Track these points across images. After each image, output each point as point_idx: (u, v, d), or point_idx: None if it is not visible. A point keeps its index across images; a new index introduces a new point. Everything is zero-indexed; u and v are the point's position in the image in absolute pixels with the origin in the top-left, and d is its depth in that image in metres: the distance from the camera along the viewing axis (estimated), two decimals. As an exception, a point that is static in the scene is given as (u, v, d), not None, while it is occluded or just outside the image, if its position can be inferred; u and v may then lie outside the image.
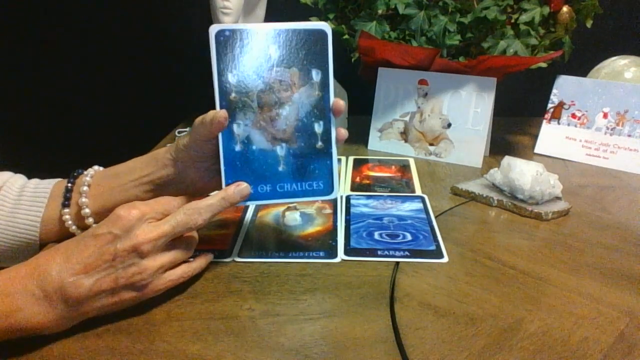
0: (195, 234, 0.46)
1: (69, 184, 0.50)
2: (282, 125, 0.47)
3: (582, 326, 0.41)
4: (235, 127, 0.46)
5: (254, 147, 0.47)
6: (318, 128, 0.47)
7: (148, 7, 1.17)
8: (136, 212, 0.40)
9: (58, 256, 0.38)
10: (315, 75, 0.46)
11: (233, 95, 0.46)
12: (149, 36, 1.19)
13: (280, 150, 0.47)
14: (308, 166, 0.47)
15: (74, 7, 1.15)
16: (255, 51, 0.46)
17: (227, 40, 0.46)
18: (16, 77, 1.19)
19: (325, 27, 0.46)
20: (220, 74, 0.46)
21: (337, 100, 0.47)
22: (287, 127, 0.47)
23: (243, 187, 0.46)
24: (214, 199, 0.44)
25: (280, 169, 0.47)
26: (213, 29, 0.45)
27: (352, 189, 0.70)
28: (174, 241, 0.43)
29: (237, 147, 0.46)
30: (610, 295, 0.46)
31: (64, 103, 1.23)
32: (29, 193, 0.50)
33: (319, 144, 0.47)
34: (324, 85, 0.47)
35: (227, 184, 0.46)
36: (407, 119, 0.87)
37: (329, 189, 0.48)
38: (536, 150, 0.90)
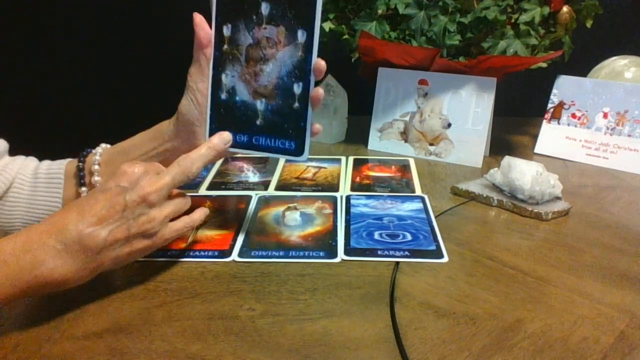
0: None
1: (80, 163, 0.54)
2: (264, 81, 0.48)
3: (582, 326, 0.41)
4: (223, 77, 0.49)
5: (237, 98, 0.49)
6: (297, 89, 0.47)
7: (148, 6, 1.17)
8: (140, 167, 0.45)
9: (72, 212, 0.41)
10: (301, 35, 0.46)
11: (225, 47, 0.49)
12: (149, 35, 1.19)
13: (260, 105, 0.49)
14: (283, 125, 0.48)
15: (75, 6, 1.15)
16: (249, 7, 0.47)
17: None
18: (17, 77, 1.19)
19: None
20: (217, 27, 0.49)
21: (319, 61, 0.47)
22: (268, 84, 0.48)
23: (225, 135, 0.49)
24: (202, 149, 0.47)
25: (258, 122, 0.49)
26: None
27: (352, 189, 0.70)
28: (172, 196, 0.46)
29: (223, 96, 0.50)
30: (610, 295, 0.46)
31: (64, 103, 1.23)
32: (44, 176, 0.54)
33: (296, 104, 0.48)
34: (308, 47, 0.47)
35: (211, 128, 0.50)
36: (407, 119, 0.87)
37: (299, 150, 0.48)
38: (536, 150, 0.90)
